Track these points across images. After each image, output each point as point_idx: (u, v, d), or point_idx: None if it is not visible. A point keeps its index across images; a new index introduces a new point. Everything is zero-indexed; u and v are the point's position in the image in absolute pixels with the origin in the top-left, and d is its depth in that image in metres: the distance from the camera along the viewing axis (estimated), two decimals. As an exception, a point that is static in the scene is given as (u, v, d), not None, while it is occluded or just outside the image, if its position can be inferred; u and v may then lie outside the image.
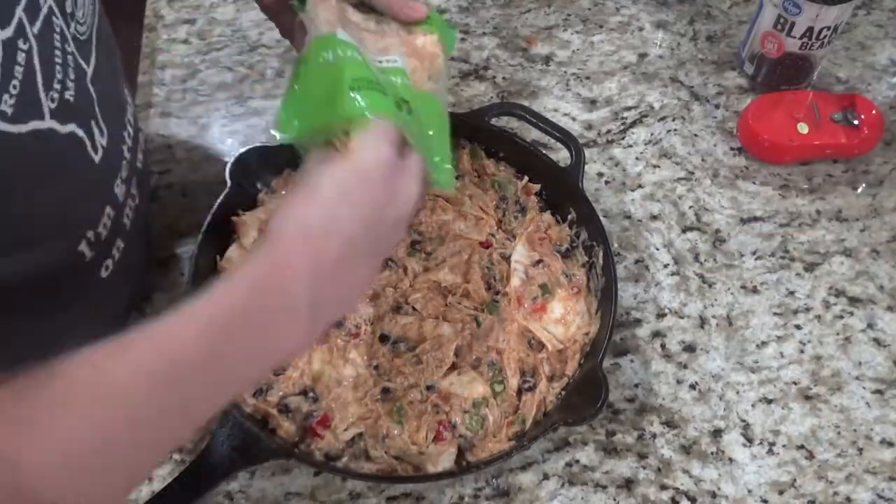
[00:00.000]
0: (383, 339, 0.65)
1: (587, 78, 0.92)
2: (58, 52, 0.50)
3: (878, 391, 0.72)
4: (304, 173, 0.50)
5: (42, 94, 0.48)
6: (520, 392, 0.65)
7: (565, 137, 0.76)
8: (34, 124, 0.48)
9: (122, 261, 0.63)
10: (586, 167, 0.76)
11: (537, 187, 0.76)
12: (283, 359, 0.59)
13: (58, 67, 0.50)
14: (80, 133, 0.54)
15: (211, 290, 0.44)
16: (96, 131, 0.56)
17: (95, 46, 0.57)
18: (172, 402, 0.42)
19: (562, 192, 0.75)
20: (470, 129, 0.78)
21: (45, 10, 0.49)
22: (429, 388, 0.63)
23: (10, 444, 0.37)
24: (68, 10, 0.52)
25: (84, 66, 0.54)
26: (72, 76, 0.52)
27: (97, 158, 0.56)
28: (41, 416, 0.38)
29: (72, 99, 0.52)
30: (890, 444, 0.69)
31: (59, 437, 0.38)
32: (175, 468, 0.64)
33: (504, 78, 0.92)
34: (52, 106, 0.49)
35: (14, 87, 0.45)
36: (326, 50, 0.52)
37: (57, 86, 0.50)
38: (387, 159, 0.48)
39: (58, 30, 0.50)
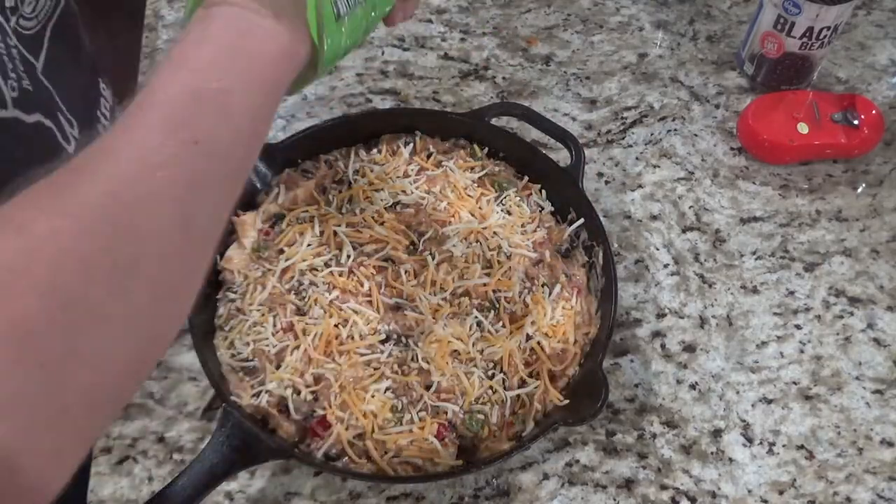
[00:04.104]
0: (383, 339, 0.65)
1: (587, 78, 0.92)
2: (0, 45, 0.51)
3: (878, 391, 0.72)
4: None
5: (1, 83, 0.49)
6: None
7: (565, 137, 0.76)
8: None
9: None
10: (586, 167, 0.76)
11: (537, 187, 0.76)
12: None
13: (5, 58, 0.51)
14: (48, 123, 0.54)
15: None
16: (65, 123, 0.57)
17: (49, 40, 0.57)
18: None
19: (562, 192, 0.75)
20: (470, 129, 0.78)
21: None
22: (428, 387, 0.63)
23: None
24: (9, 4, 0.53)
25: (32, 59, 0.55)
26: (21, 68, 0.53)
27: (71, 149, 0.57)
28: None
29: (30, 89, 0.53)
30: (890, 444, 0.69)
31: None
32: (175, 468, 0.64)
33: (504, 78, 0.92)
34: (14, 95, 0.50)
35: None
36: None
37: (13, 75, 0.51)
38: None
39: None
